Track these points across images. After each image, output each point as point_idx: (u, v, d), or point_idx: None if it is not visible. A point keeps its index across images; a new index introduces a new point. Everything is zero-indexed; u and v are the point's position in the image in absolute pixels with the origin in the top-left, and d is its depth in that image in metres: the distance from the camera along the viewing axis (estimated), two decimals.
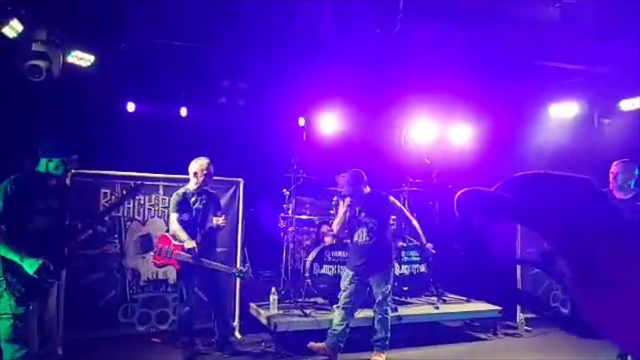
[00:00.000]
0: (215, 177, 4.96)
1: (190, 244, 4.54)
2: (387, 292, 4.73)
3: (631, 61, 5.82)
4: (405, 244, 6.31)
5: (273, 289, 5.44)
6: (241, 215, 5.76)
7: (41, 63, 5.04)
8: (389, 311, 4.80)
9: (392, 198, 4.94)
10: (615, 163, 4.30)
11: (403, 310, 5.51)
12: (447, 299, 6.19)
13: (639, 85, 6.29)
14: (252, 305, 5.69)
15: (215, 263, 4.68)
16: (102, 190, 5.25)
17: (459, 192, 0.72)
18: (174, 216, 4.73)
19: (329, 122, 7.51)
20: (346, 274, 4.85)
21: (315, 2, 5.00)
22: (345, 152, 7.50)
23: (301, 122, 7.39)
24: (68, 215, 3.46)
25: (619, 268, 0.54)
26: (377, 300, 4.73)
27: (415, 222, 5.08)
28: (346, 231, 4.97)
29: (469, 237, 0.66)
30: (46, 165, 3.28)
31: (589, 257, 0.55)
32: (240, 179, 5.81)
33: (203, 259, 4.60)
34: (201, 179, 4.71)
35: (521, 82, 6.74)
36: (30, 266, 3.04)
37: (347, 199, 4.77)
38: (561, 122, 6.98)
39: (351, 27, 5.20)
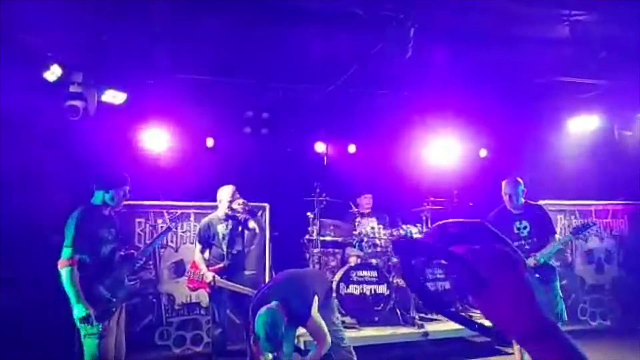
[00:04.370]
0: None
1: (208, 277, 4.73)
2: None
3: None
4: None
5: None
6: (268, 238, 5.97)
7: (78, 103, 5.43)
8: None
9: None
10: (503, 183, 4.60)
11: (430, 327, 5.59)
12: (472, 314, 6.21)
13: None
14: None
15: (239, 286, 4.80)
16: (137, 220, 5.56)
17: (394, 239, 0.95)
18: (197, 247, 5.00)
19: (349, 146, 7.75)
20: None
21: (330, 33, 5.23)
22: (366, 173, 7.68)
23: (320, 147, 7.64)
24: (121, 243, 3.76)
25: (504, 282, 0.77)
26: None
27: None
28: None
29: (410, 276, 0.86)
30: (102, 197, 3.59)
31: (484, 279, 0.78)
32: (266, 204, 6.03)
33: (228, 282, 4.77)
34: (227, 205, 4.92)
35: (539, 99, 6.85)
36: (78, 311, 3.26)
37: None
38: (581, 135, 7.04)
39: (367, 53, 5.42)
